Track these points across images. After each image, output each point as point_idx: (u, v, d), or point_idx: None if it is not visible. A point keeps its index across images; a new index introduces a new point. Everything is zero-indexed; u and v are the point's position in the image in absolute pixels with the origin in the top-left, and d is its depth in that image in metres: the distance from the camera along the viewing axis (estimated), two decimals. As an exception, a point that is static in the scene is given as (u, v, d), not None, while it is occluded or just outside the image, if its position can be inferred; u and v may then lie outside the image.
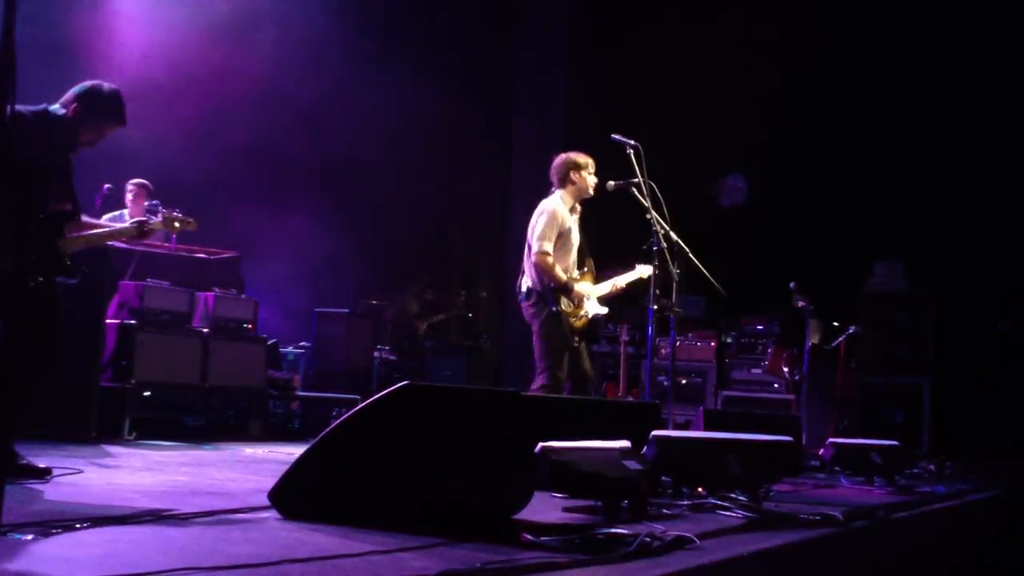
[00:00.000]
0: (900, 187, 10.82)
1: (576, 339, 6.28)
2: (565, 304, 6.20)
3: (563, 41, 12.38)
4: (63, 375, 5.88)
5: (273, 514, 3.29)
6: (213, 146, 9.84)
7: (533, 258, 6.24)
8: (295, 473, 3.33)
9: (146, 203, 8.13)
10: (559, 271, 6.22)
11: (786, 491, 4.97)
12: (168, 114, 9.57)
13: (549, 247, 6.22)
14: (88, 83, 4.37)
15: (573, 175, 6.37)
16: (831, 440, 6.52)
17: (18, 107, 2.10)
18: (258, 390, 7.72)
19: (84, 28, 9.01)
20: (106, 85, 4.38)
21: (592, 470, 3.63)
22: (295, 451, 3.70)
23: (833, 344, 8.27)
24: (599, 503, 3.69)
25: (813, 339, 8.06)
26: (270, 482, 3.40)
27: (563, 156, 6.45)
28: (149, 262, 7.40)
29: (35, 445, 4.88)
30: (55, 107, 4.32)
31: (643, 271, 6.38)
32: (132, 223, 4.78)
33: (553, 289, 6.20)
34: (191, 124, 9.76)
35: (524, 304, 6.35)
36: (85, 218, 4.61)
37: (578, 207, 6.48)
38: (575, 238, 6.41)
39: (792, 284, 8.03)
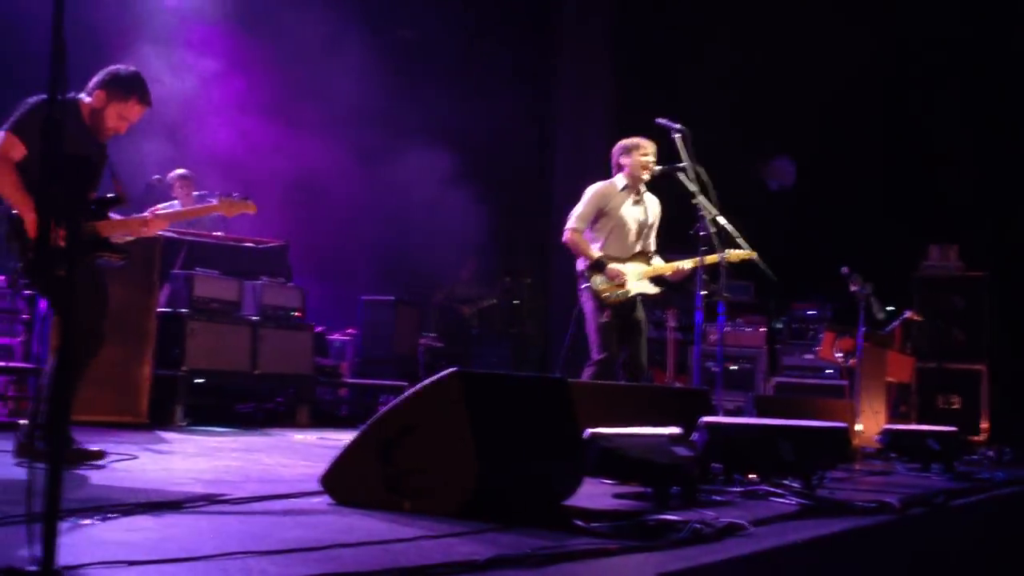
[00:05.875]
0: (954, 168, 10.60)
1: (608, 316, 6.20)
2: (598, 281, 6.23)
3: (607, 26, 12.27)
4: (116, 363, 6.00)
5: (324, 499, 3.31)
6: (257, 135, 9.95)
7: (564, 235, 6.35)
8: (345, 459, 3.35)
9: (195, 193, 8.22)
10: (589, 248, 6.28)
11: (840, 478, 4.89)
12: (214, 104, 9.70)
13: (579, 224, 6.33)
14: (108, 69, 4.37)
15: (622, 159, 6.43)
16: (886, 426, 6.43)
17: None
18: (306, 377, 7.78)
19: (126, 16, 9.14)
20: (124, 68, 4.39)
21: (641, 456, 3.61)
22: (344, 437, 3.71)
23: (888, 329, 8.12)
24: (649, 489, 3.66)
25: (878, 316, 7.89)
26: (320, 468, 3.42)
27: (620, 142, 6.52)
28: (199, 251, 7.47)
29: (90, 431, 4.96)
30: (83, 95, 4.34)
31: (708, 258, 6.22)
32: (143, 215, 4.68)
33: (588, 267, 6.23)
34: (237, 113, 9.87)
35: (578, 283, 6.42)
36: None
37: (642, 189, 6.47)
38: (629, 220, 6.40)
39: (844, 269, 7.89)
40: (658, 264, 6.46)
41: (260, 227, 8.25)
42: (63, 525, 2.55)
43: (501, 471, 3.15)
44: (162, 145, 8.89)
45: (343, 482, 3.32)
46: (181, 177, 8.30)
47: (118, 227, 4.36)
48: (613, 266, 6.27)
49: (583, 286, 6.31)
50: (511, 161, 11.90)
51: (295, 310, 7.70)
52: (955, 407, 9.32)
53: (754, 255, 6.20)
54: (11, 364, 7.02)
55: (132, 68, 4.42)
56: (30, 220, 3.99)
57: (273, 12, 10.19)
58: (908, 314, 8.35)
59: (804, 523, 3.35)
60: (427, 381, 3.29)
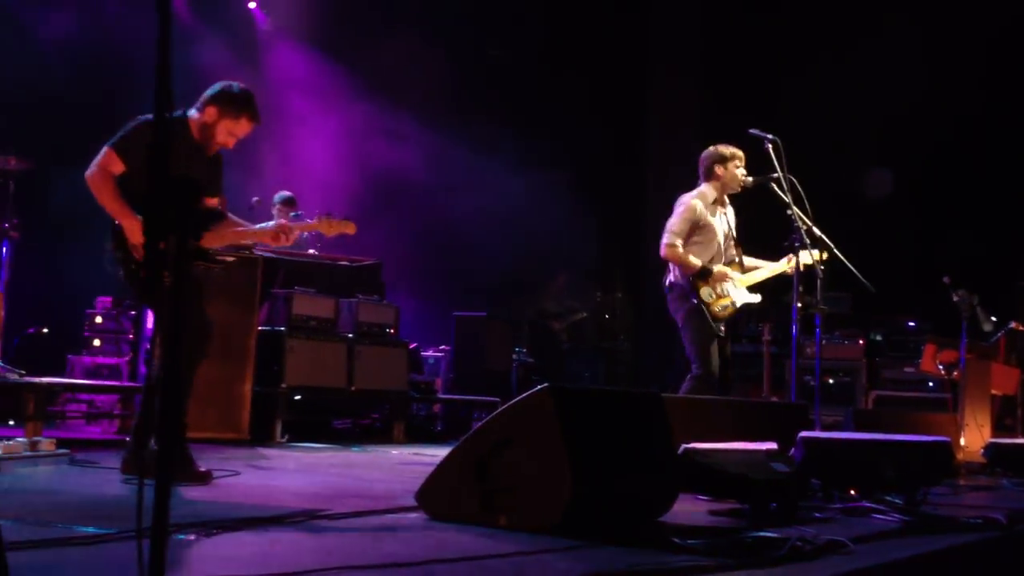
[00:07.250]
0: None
1: (722, 329, 6.15)
2: (706, 294, 6.12)
3: (698, 37, 12.19)
4: (219, 380, 6.19)
5: (420, 515, 3.35)
6: (347, 153, 10.17)
7: (662, 251, 6.23)
8: (440, 475, 3.38)
9: (292, 214, 8.43)
10: (691, 258, 6.16)
11: (944, 494, 4.75)
12: (306, 123, 9.95)
13: (676, 240, 6.18)
14: (219, 84, 4.47)
15: (718, 168, 6.28)
16: (991, 440, 6.22)
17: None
18: (401, 393, 7.88)
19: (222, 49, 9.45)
20: (236, 85, 4.48)
21: (738, 472, 3.56)
22: (439, 453, 3.76)
23: (992, 340, 7.84)
24: (746, 506, 3.61)
25: (986, 328, 7.62)
26: (416, 483, 3.46)
27: (709, 149, 6.36)
28: (296, 271, 7.67)
29: (193, 447, 5.10)
30: (192, 111, 4.45)
31: (806, 257, 6.11)
32: (273, 224, 4.81)
33: (691, 279, 6.13)
34: (329, 133, 10.11)
35: (668, 297, 6.33)
36: (232, 216, 4.75)
37: (726, 200, 6.38)
38: (720, 231, 6.30)
39: (946, 278, 7.64)
40: (754, 274, 6.33)
41: (353, 246, 8.42)
42: (170, 541, 2.65)
43: (596, 487, 3.15)
44: (256, 162, 9.12)
45: (438, 498, 3.36)
46: (283, 201, 8.52)
47: (217, 239, 4.50)
48: (718, 269, 6.18)
49: (693, 301, 6.14)
50: (603, 175, 11.90)
51: (389, 327, 7.82)
52: (1064, 420, 8.93)
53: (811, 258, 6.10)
54: (118, 383, 7.30)
55: (242, 85, 4.49)
56: (127, 226, 4.13)
57: (363, 32, 10.41)
58: (1013, 324, 8.04)
59: (907, 540, 3.27)
60: (520, 397, 3.31)
